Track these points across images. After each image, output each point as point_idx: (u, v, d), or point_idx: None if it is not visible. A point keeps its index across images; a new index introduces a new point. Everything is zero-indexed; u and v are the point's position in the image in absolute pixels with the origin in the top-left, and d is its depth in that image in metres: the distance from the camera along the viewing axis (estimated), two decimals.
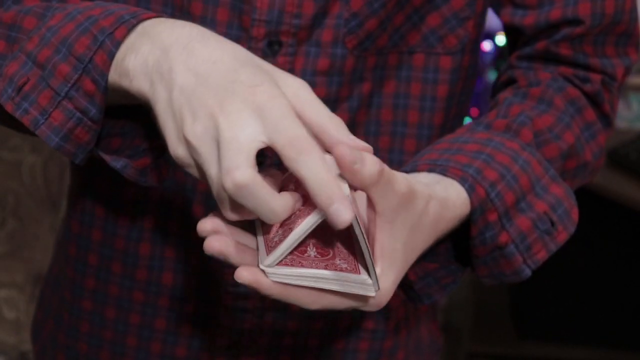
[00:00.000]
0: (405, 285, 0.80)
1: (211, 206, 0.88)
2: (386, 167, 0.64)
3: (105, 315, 0.95)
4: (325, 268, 0.64)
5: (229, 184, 0.60)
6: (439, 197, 0.71)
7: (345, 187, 0.62)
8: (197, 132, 0.62)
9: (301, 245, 0.65)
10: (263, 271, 0.64)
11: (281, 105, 0.62)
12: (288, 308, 0.92)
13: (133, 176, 0.75)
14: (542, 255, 0.79)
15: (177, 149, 0.64)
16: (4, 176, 2.10)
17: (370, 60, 0.86)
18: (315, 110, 0.64)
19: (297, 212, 0.64)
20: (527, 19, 0.89)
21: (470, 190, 0.75)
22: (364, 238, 0.63)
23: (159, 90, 0.65)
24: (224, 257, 0.65)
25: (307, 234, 0.63)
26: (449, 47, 0.88)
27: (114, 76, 0.69)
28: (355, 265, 0.66)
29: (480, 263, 0.79)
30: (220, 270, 0.90)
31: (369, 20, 0.84)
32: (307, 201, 0.64)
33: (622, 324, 2.34)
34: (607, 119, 0.92)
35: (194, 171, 0.65)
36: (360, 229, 0.63)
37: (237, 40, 0.83)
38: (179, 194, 0.90)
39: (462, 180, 0.75)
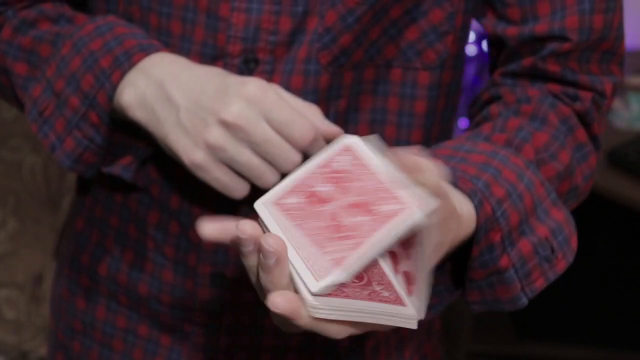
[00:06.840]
0: None
1: (185, 223, 0.89)
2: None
3: (96, 315, 0.97)
4: (369, 298, 0.59)
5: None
6: (458, 215, 0.70)
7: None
8: (216, 135, 0.76)
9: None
10: (303, 299, 0.58)
11: (274, 91, 0.77)
12: (264, 325, 0.92)
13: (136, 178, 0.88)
14: (540, 284, 0.77)
15: (194, 155, 0.77)
16: (4, 176, 2.10)
17: (347, 76, 0.85)
18: (292, 101, 0.78)
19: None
20: (510, 29, 0.87)
21: (479, 206, 0.73)
22: (423, 266, 0.59)
23: (163, 115, 0.79)
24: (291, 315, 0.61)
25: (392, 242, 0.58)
26: (428, 63, 0.87)
27: (115, 105, 0.82)
28: (396, 293, 0.61)
29: (474, 287, 0.76)
30: (192, 289, 0.90)
31: (343, 35, 0.83)
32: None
33: (622, 324, 2.34)
34: (596, 142, 0.89)
35: (207, 174, 0.77)
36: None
37: (213, 57, 0.83)
38: (153, 211, 0.90)
39: (472, 193, 0.73)
